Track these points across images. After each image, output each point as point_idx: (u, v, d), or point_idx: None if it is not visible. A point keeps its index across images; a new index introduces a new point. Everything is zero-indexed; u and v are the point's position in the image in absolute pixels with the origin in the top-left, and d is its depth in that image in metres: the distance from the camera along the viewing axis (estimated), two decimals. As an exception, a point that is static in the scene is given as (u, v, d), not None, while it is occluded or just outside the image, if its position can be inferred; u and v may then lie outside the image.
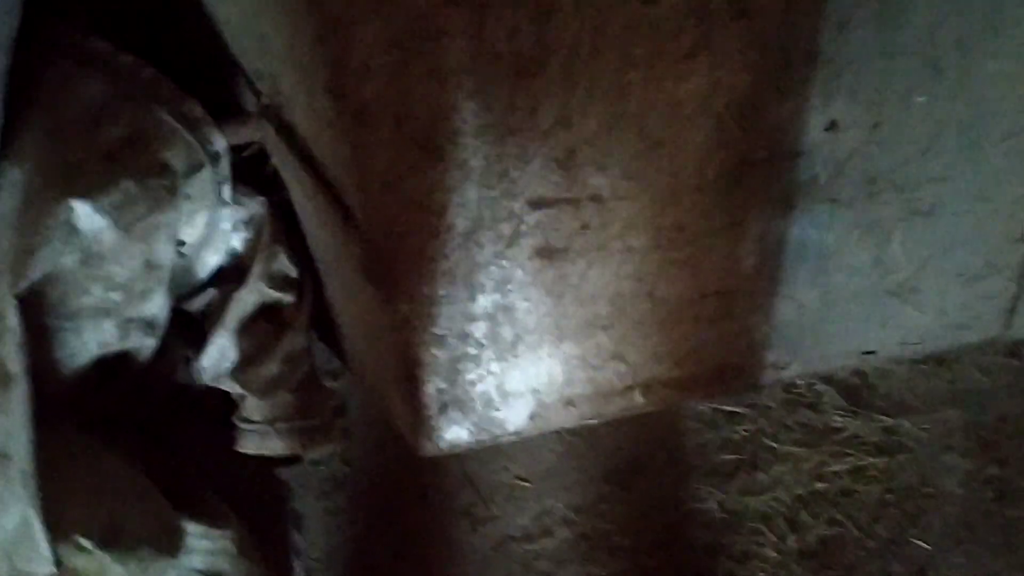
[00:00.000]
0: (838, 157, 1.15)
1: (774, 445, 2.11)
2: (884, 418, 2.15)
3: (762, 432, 2.12)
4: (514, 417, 1.31)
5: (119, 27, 1.45)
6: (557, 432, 2.03)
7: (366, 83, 0.99)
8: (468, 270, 1.15)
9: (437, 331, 1.20)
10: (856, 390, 2.18)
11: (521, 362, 1.26)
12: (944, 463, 2.08)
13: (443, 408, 1.27)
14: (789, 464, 2.08)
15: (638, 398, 1.33)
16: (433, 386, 1.25)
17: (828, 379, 2.16)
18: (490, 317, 1.20)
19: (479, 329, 1.21)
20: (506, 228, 1.12)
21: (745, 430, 2.13)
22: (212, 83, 1.43)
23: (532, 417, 1.31)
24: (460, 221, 1.10)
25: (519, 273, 1.17)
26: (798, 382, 2.12)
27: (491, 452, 2.00)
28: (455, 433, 1.30)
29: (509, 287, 1.18)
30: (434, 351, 1.21)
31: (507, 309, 1.20)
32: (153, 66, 1.36)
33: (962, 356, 2.16)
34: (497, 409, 1.30)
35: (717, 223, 1.18)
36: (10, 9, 1.22)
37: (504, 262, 1.15)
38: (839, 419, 2.15)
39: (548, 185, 1.10)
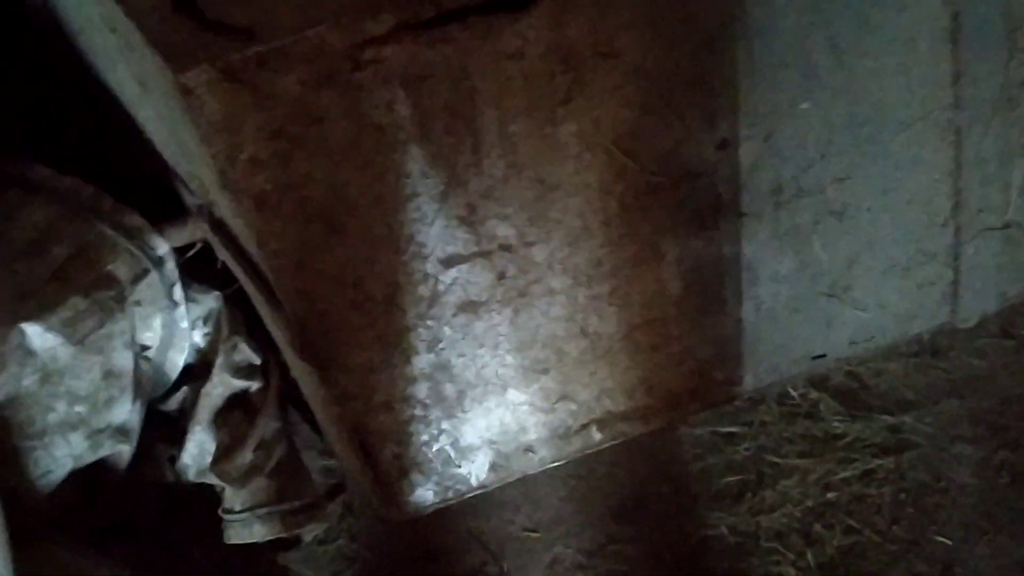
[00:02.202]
0: (737, 172, 1.17)
1: (778, 460, 2.08)
2: (886, 417, 2.11)
3: (763, 449, 2.09)
4: (476, 471, 1.32)
5: (61, 148, 1.52)
6: (555, 476, 2.02)
7: (259, 174, 1.03)
8: (396, 335, 1.18)
9: (379, 398, 1.22)
10: (852, 393, 2.15)
11: (471, 416, 1.27)
12: (954, 454, 2.03)
13: (402, 472, 1.29)
14: (796, 477, 2.05)
15: (595, 435, 1.33)
16: (388, 452, 1.27)
17: (822, 385, 2.13)
18: (429, 377, 1.22)
19: (421, 390, 1.23)
20: (424, 289, 1.15)
21: (746, 449, 2.10)
22: (154, 188, 1.49)
23: (494, 468, 1.33)
24: (377, 289, 1.14)
25: (447, 331, 1.19)
26: (791, 392, 2.10)
27: (492, 505, 2.00)
28: (420, 495, 1.31)
29: (441, 345, 1.20)
30: (381, 418, 1.24)
31: (444, 367, 1.22)
32: (93, 184, 1.43)
33: (955, 343, 2.13)
34: (457, 465, 1.31)
35: (633, 253, 1.20)
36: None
37: (430, 322, 1.18)
38: (839, 424, 2.11)
39: (456, 242, 1.13)
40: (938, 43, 1.15)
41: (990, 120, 1.22)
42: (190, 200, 1.45)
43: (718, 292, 1.26)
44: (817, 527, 1.98)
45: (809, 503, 2.01)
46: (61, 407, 1.35)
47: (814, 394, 2.15)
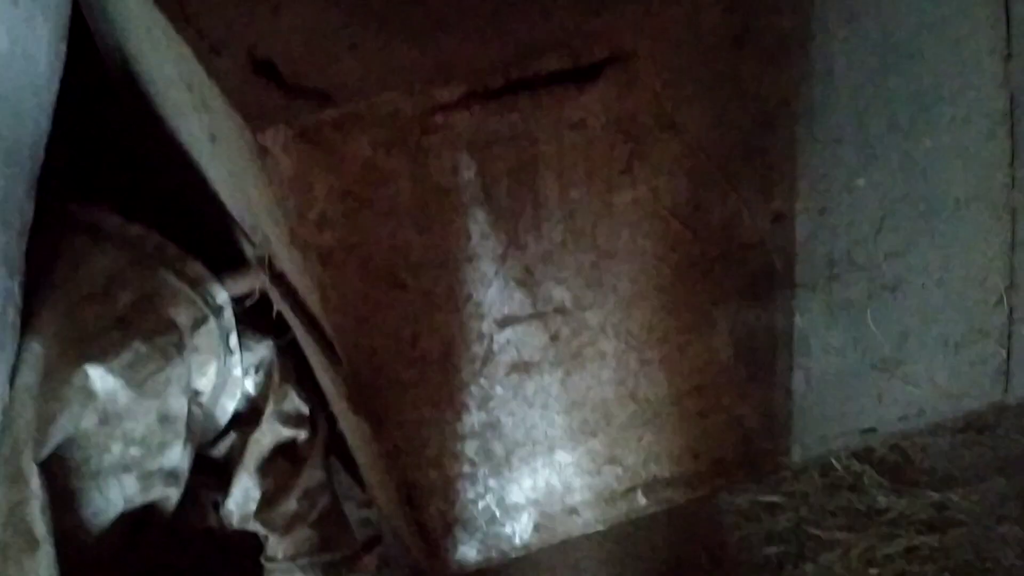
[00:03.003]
0: (791, 244, 1.19)
1: (819, 533, 2.05)
2: (930, 493, 2.07)
3: (805, 520, 2.06)
4: (520, 531, 1.33)
5: (129, 196, 1.58)
6: (593, 540, 2.01)
7: (326, 231, 1.07)
8: (449, 392, 1.19)
9: (429, 453, 1.23)
10: (896, 466, 2.12)
11: (517, 475, 1.28)
12: (999, 534, 1.99)
13: (447, 529, 1.29)
14: (837, 551, 2.01)
15: (641, 500, 1.33)
16: (435, 508, 1.28)
17: (866, 457, 2.10)
18: (478, 435, 1.24)
19: (470, 448, 1.24)
20: (478, 348, 1.17)
21: (787, 520, 2.07)
22: (216, 237, 1.54)
23: (537, 529, 1.33)
24: (433, 347, 1.16)
25: (499, 390, 1.21)
26: (835, 463, 2.08)
27: (530, 567, 1.98)
28: (463, 553, 1.32)
29: (491, 404, 1.22)
30: (429, 474, 1.25)
31: (493, 425, 1.23)
32: (159, 232, 1.48)
33: (1002, 420, 2.10)
34: (501, 524, 1.31)
35: (685, 320, 1.21)
36: (26, 196, 1.34)
37: (483, 380, 1.20)
38: (883, 499, 2.08)
39: (512, 303, 1.15)
40: (995, 124, 1.17)
41: (1045, 201, 1.23)
42: (250, 251, 1.49)
43: (769, 362, 1.26)
44: (859, 604, 1.94)
45: (850, 578, 1.97)
46: (117, 448, 1.38)
47: (858, 466, 2.12)
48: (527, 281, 1.14)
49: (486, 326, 1.16)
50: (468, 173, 1.06)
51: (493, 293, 1.14)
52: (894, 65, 1.11)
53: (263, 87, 1.07)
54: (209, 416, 1.51)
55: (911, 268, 1.23)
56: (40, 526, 1.28)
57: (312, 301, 1.20)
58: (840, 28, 1.08)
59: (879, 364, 1.28)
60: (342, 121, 1.02)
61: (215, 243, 1.52)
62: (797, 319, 1.24)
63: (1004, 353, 1.30)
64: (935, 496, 2.05)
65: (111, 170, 1.71)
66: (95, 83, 1.73)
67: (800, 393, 1.29)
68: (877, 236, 1.20)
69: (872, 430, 1.34)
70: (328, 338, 1.23)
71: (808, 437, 1.34)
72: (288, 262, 1.27)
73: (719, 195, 1.13)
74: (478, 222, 1.09)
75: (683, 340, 1.22)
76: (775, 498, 2.05)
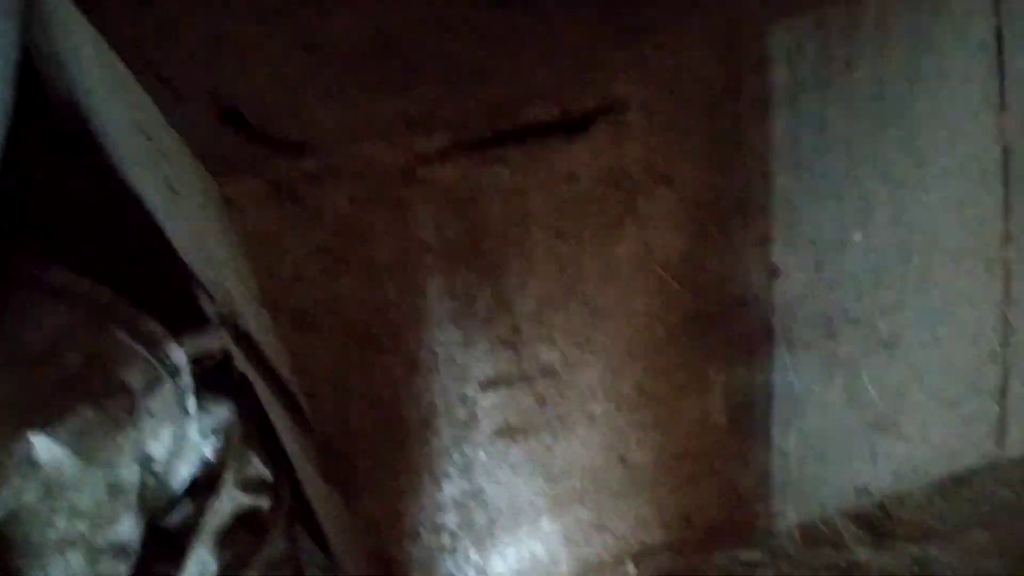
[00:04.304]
0: (787, 301, 1.15)
1: (801, 592, 1.99)
2: (911, 547, 2.03)
3: (786, 578, 2.00)
4: (503, 606, 1.25)
5: (79, 251, 1.49)
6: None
7: (299, 289, 1.00)
8: (429, 460, 1.12)
9: (407, 526, 1.15)
10: (877, 521, 2.07)
11: (501, 547, 1.21)
12: (980, 589, 1.95)
13: (426, 606, 1.21)
14: (820, 611, 1.96)
15: (631, 570, 1.26)
16: (412, 584, 1.20)
17: (846, 512, 2.06)
18: (460, 505, 1.16)
19: (451, 518, 1.17)
20: (462, 413, 1.10)
21: (768, 578, 2.01)
22: (173, 295, 1.45)
23: (521, 604, 1.25)
24: (413, 412, 1.09)
25: (482, 456, 1.14)
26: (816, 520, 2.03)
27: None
28: (442, 631, 1.23)
29: (474, 472, 1.14)
30: (407, 547, 1.17)
31: (476, 494, 1.16)
32: (111, 289, 1.39)
33: (978, 472, 2.08)
34: (483, 600, 1.23)
35: (678, 380, 1.16)
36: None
37: (465, 447, 1.13)
38: (864, 554, 2.03)
39: (498, 365, 1.09)
40: (989, 177, 1.15)
41: (1039, 255, 1.21)
42: (211, 309, 1.41)
43: (763, 423, 1.22)
44: (842, 665, 1.88)
45: (833, 638, 1.91)
46: (62, 523, 1.27)
47: (838, 521, 2.07)
48: (514, 342, 1.08)
49: (470, 389, 1.09)
50: (452, 229, 1.00)
51: (478, 354, 1.07)
52: (888, 117, 1.09)
53: (230, 137, 1.00)
54: (163, 484, 1.41)
55: (906, 324, 1.20)
56: (-21, 612, 1.17)
57: (281, 362, 1.12)
58: (835, 79, 1.05)
59: (874, 422, 1.24)
60: (318, 174, 0.96)
61: (172, 301, 1.43)
62: (793, 377, 1.19)
63: (998, 409, 1.27)
64: (915, 551, 2.00)
65: (61, 223, 1.62)
66: (44, 133, 1.64)
67: (795, 454, 1.24)
68: (872, 291, 1.16)
69: (866, 489, 1.30)
70: (298, 402, 1.15)
71: (802, 499, 1.29)
72: (254, 321, 1.19)
73: (714, 250, 1.09)
74: (463, 281, 1.03)
75: (676, 402, 1.16)
76: (756, 555, 1.99)
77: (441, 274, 1.03)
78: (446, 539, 1.18)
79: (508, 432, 1.13)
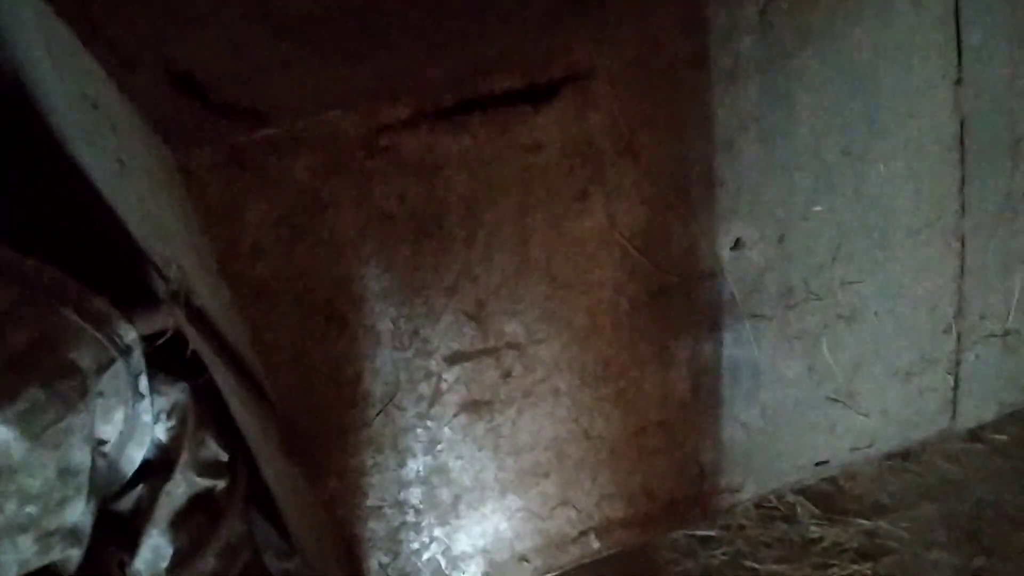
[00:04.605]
0: (751, 273, 1.15)
1: (756, 566, 2.02)
2: (862, 521, 2.07)
3: (741, 554, 2.03)
4: (466, 583, 1.24)
5: (22, 230, 1.43)
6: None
7: (259, 262, 0.97)
8: (393, 436, 1.10)
9: (370, 503, 1.14)
10: (828, 496, 2.11)
11: (465, 523, 1.20)
12: (930, 560, 2.00)
13: (389, 584, 1.20)
14: (774, 584, 1.99)
15: (594, 543, 1.26)
16: (375, 561, 1.18)
17: (798, 488, 2.09)
18: (424, 481, 1.15)
19: (415, 495, 1.15)
20: (425, 388, 1.09)
21: (723, 553, 2.04)
22: (121, 273, 1.41)
23: (485, 580, 1.24)
24: (376, 387, 1.07)
25: (447, 432, 1.12)
26: (769, 496, 2.06)
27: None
28: (405, 609, 1.22)
29: (439, 447, 1.13)
30: (371, 524, 1.15)
31: (441, 470, 1.15)
32: (57, 267, 1.34)
33: (927, 447, 2.12)
34: (447, 576, 1.22)
35: (642, 353, 1.16)
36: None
37: (429, 422, 1.11)
38: (816, 529, 2.07)
39: (462, 339, 1.08)
40: (946, 150, 1.17)
41: (994, 228, 1.23)
42: (162, 287, 1.37)
43: (726, 396, 1.22)
44: (796, 637, 1.91)
45: (787, 611, 1.94)
46: (10, 507, 1.24)
47: (791, 497, 2.11)
48: (478, 315, 1.06)
49: (434, 364, 1.08)
50: (416, 199, 0.98)
51: (442, 328, 1.06)
52: (851, 89, 1.09)
53: (185, 105, 0.97)
54: (114, 467, 1.38)
55: (865, 297, 1.21)
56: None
57: (239, 339, 1.09)
58: (800, 51, 1.05)
59: (833, 395, 1.26)
60: (277, 142, 0.93)
61: (121, 279, 1.39)
62: (754, 350, 1.20)
63: (952, 381, 1.30)
64: (866, 524, 2.05)
65: (2, 202, 1.56)
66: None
67: (756, 427, 1.25)
68: (833, 264, 1.17)
69: (825, 462, 1.31)
70: (257, 379, 1.12)
71: (762, 473, 1.30)
72: (210, 297, 1.16)
73: (678, 222, 1.09)
74: (427, 252, 1.01)
75: (640, 375, 1.16)
76: (711, 532, 2.02)
77: (405, 246, 1.01)
78: (410, 516, 1.17)
79: (473, 407, 1.12)
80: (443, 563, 1.22)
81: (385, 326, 1.04)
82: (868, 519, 2.03)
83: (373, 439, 1.10)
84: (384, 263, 1.01)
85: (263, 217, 0.95)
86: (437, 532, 1.19)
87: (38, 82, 1.44)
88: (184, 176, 0.91)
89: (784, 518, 2.06)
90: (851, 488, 2.08)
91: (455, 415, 1.12)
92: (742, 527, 2.03)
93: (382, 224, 0.99)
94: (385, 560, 1.18)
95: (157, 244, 1.32)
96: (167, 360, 1.40)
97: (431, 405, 1.10)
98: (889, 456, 2.06)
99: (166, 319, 1.36)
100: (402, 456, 1.12)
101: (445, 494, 1.17)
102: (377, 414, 1.08)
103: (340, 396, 1.06)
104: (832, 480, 2.08)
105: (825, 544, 2.00)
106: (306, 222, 0.96)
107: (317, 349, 1.03)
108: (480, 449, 1.15)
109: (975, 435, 2.13)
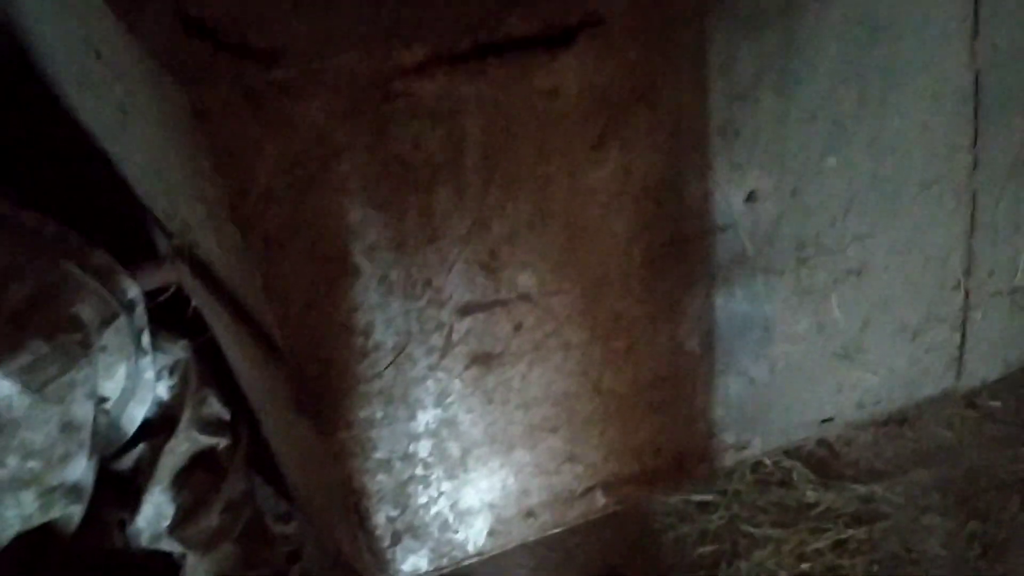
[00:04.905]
0: (763, 227, 1.15)
1: (751, 530, 2.04)
2: (856, 486, 2.09)
3: (737, 518, 2.05)
4: (473, 536, 1.24)
5: (20, 185, 1.41)
6: (527, 546, 1.94)
7: (271, 208, 0.96)
8: (404, 388, 1.10)
9: (380, 456, 1.13)
10: (824, 461, 2.13)
11: (472, 477, 1.19)
12: (924, 525, 2.02)
13: (396, 537, 1.19)
14: (770, 547, 2.01)
15: (600, 499, 1.26)
16: (383, 515, 1.18)
17: (794, 453, 2.11)
18: (434, 434, 1.14)
19: (424, 448, 1.15)
20: (437, 339, 1.08)
21: (720, 518, 2.05)
22: (120, 230, 1.39)
23: (492, 534, 1.24)
24: (388, 337, 1.06)
25: (457, 384, 1.12)
26: (766, 461, 2.07)
27: (463, 576, 1.90)
28: (413, 563, 1.22)
29: (449, 400, 1.13)
30: (380, 477, 1.15)
31: (450, 423, 1.14)
32: (57, 221, 1.32)
33: (922, 414, 2.14)
34: (455, 531, 1.22)
35: (653, 307, 1.15)
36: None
37: (440, 374, 1.10)
38: (812, 493, 2.09)
39: (475, 289, 1.07)
40: (960, 104, 1.16)
41: (1004, 184, 1.23)
42: (163, 244, 1.35)
43: (735, 351, 1.22)
44: (792, 599, 1.93)
45: (784, 574, 1.96)
46: (13, 462, 1.22)
47: (787, 462, 2.12)
48: (491, 265, 1.05)
49: (446, 314, 1.07)
50: (431, 145, 0.97)
51: (454, 278, 1.05)
52: (869, 40, 1.08)
53: (196, 47, 0.95)
54: (114, 425, 1.37)
55: (875, 252, 1.21)
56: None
57: (248, 290, 1.08)
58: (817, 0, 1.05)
59: (840, 351, 1.26)
60: (292, 84, 0.92)
61: (120, 235, 1.37)
62: (765, 306, 1.20)
63: (958, 339, 1.30)
64: (861, 489, 2.07)
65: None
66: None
67: (763, 383, 1.25)
68: (845, 218, 1.17)
69: (830, 419, 1.32)
70: (266, 331, 1.11)
71: (769, 429, 1.30)
72: (217, 248, 1.14)
73: (693, 173, 1.08)
74: (441, 199, 1.00)
75: (650, 328, 1.16)
76: (708, 496, 2.03)
77: (419, 193, 0.99)
78: (419, 469, 1.16)
79: (483, 359, 1.11)
80: (450, 518, 1.21)
81: (397, 275, 1.03)
82: (863, 484, 2.05)
83: (384, 390, 1.09)
84: (397, 210, 1.00)
85: (276, 161, 0.93)
86: (445, 486, 1.19)
87: (36, 35, 1.41)
88: (197, 117, 0.90)
89: (780, 483, 2.07)
90: (846, 453, 2.10)
91: (466, 367, 1.11)
92: (738, 492, 2.05)
93: (396, 170, 0.97)
94: (393, 513, 1.18)
95: (160, 197, 1.30)
96: (168, 318, 1.38)
97: (442, 357, 1.09)
98: (888, 420, 2.08)
99: (168, 275, 1.35)
100: (412, 408, 1.12)
101: (454, 448, 1.16)
102: (388, 365, 1.07)
103: (351, 346, 1.05)
104: (828, 445, 2.10)
105: (820, 509, 2.02)
106: (319, 167, 0.95)
107: (328, 298, 1.02)
108: (490, 402, 1.15)
109: (969, 402, 2.15)
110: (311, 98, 0.93)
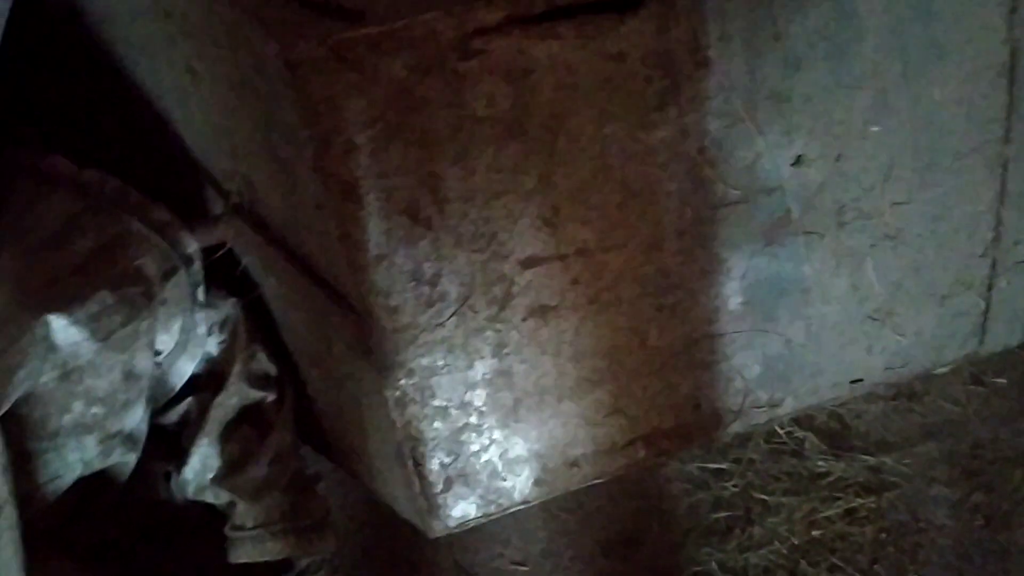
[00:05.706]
0: (808, 190, 1.20)
1: (765, 497, 2.10)
2: (866, 457, 2.16)
3: (751, 486, 2.11)
4: (520, 485, 1.29)
5: (81, 145, 1.45)
6: (546, 510, 1.99)
7: (352, 159, 1.00)
8: (464, 337, 1.15)
9: (437, 403, 1.18)
10: (835, 433, 2.19)
11: (523, 426, 1.24)
12: (931, 496, 2.09)
13: (448, 484, 1.24)
14: (782, 515, 2.07)
15: (640, 452, 1.32)
16: (437, 461, 1.23)
17: (807, 424, 2.17)
18: (489, 383, 1.19)
19: (479, 397, 1.20)
20: (498, 290, 1.13)
21: (734, 485, 2.11)
22: (176, 189, 1.43)
23: (538, 483, 1.29)
24: (453, 288, 1.11)
25: (515, 335, 1.17)
26: (778, 431, 2.13)
27: (482, 538, 1.95)
28: (462, 509, 1.27)
29: (506, 350, 1.18)
30: (436, 424, 1.20)
31: (505, 373, 1.19)
32: (117, 178, 1.36)
33: (930, 389, 2.21)
34: (503, 479, 1.27)
35: (701, 265, 1.21)
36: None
37: (499, 325, 1.16)
38: (823, 463, 2.15)
39: (536, 243, 1.12)
40: (997, 77, 1.22)
41: (1034, 156, 1.29)
42: (218, 204, 1.39)
43: (774, 311, 1.28)
44: (803, 564, 2.00)
45: (795, 540, 2.03)
46: (78, 407, 1.26)
47: (799, 432, 2.19)
48: (553, 220, 1.10)
49: (508, 267, 1.12)
50: (504, 102, 1.02)
51: (518, 232, 1.10)
52: (914, 12, 1.14)
53: (283, 4, 1.00)
54: (163, 379, 1.41)
55: (910, 218, 1.27)
56: (2, 487, 1.16)
57: (319, 242, 1.12)
58: (870, -28, 1.10)
59: (873, 314, 1.31)
60: (377, 40, 0.96)
61: (170, 195, 1.41)
62: (804, 267, 1.25)
63: (983, 305, 1.36)
64: (871, 460, 2.13)
65: (62, 117, 1.57)
66: (39, 28, 1.58)
67: (798, 343, 1.31)
68: (884, 184, 1.23)
69: (859, 380, 1.38)
70: (331, 282, 1.16)
71: (801, 389, 1.36)
72: (286, 204, 1.19)
73: (745, 136, 1.13)
74: (510, 155, 1.05)
75: (697, 286, 1.21)
76: (723, 464, 2.09)
77: (490, 148, 1.04)
78: (473, 417, 1.21)
79: (540, 312, 1.17)
80: (499, 466, 1.27)
81: (465, 228, 1.08)
82: (873, 455, 2.12)
83: (446, 339, 1.14)
84: (470, 165, 1.05)
85: (360, 114, 0.98)
86: (496, 435, 1.24)
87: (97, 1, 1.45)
88: (289, 69, 0.94)
89: (793, 453, 2.14)
90: (857, 425, 2.17)
91: (523, 319, 1.16)
92: (752, 461, 2.11)
93: (470, 126, 1.02)
94: (446, 460, 1.23)
95: (221, 157, 1.34)
96: (218, 276, 1.42)
97: (502, 308, 1.14)
98: (895, 396, 2.15)
99: (221, 233, 1.39)
100: (471, 357, 1.17)
101: (507, 397, 1.22)
102: (451, 315, 1.12)
103: (419, 296, 1.10)
104: (839, 418, 2.16)
105: (831, 478, 2.09)
106: (400, 121, 1.00)
107: (400, 248, 1.07)
108: (543, 354, 1.20)
109: (976, 378, 2.22)
110: (394, 54, 0.97)
